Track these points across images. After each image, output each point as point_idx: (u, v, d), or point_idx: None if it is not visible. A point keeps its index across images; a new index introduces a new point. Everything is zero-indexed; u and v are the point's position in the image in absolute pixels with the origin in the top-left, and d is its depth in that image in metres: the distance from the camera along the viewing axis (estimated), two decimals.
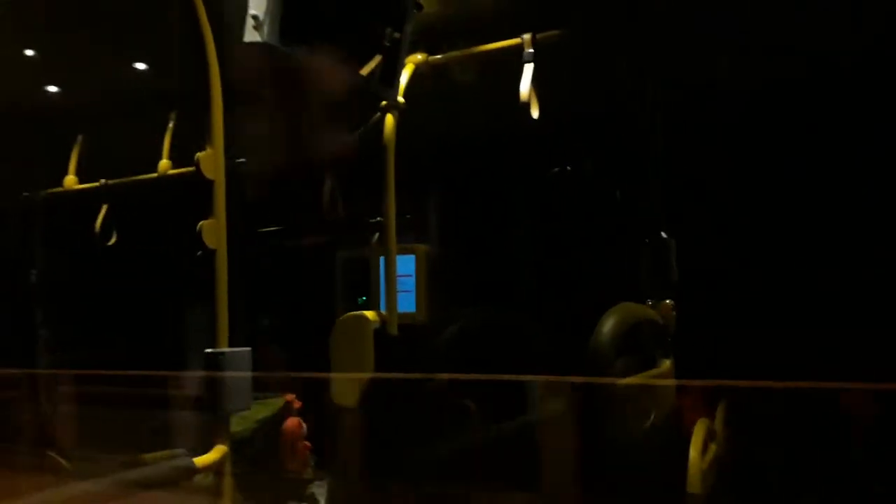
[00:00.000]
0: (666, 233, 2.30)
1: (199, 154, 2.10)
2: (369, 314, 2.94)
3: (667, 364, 2.23)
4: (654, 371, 2.21)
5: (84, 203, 3.95)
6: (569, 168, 3.72)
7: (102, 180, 3.92)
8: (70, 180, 4.02)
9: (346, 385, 2.87)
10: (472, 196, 3.80)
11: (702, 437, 2.34)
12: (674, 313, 2.31)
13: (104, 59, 3.47)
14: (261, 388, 2.70)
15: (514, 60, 2.89)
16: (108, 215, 3.92)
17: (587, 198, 3.43)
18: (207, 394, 2.11)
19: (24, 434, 3.68)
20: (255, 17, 2.17)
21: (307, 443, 2.96)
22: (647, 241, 2.33)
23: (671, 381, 2.34)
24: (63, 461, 3.08)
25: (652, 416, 2.10)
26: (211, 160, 2.10)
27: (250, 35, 2.19)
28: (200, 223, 2.08)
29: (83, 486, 1.81)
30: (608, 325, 1.95)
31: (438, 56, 3.10)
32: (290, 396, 3.04)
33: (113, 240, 3.92)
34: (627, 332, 2.04)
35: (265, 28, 2.18)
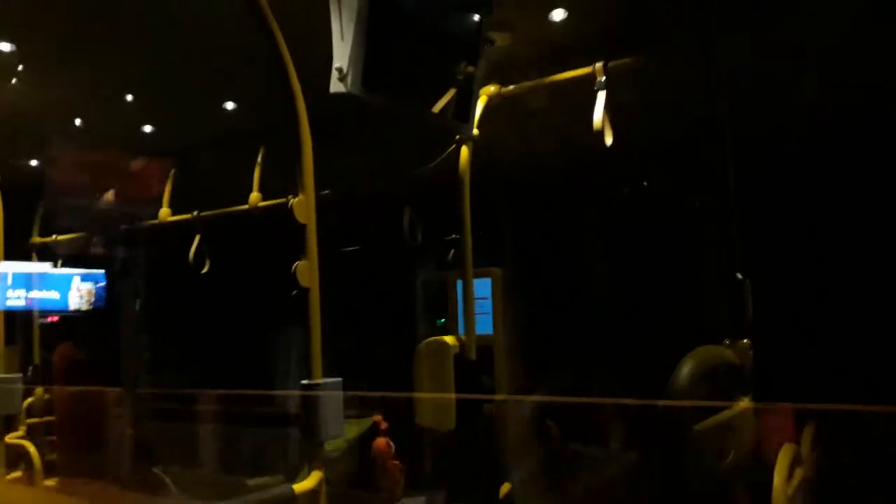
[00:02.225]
0: (741, 273, 2.32)
1: (292, 200, 2.24)
2: (449, 339, 3.04)
3: (745, 402, 2.24)
4: (734, 409, 2.22)
5: (178, 233, 4.20)
6: (644, 184, 3.74)
7: (195, 212, 4.17)
8: (165, 212, 4.28)
9: (431, 408, 2.98)
10: (548, 224, 3.86)
11: (787, 463, 2.32)
12: (750, 352, 2.32)
13: (196, 99, 3.71)
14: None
15: (587, 88, 2.93)
16: (200, 245, 4.16)
17: (661, 221, 3.44)
18: (303, 422, 2.25)
19: (128, 451, 3.93)
20: (339, 70, 2.31)
21: (397, 462, 3.08)
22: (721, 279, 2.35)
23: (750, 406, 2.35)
24: (167, 479, 3.30)
25: (731, 455, 2.11)
26: (303, 205, 2.25)
27: (335, 87, 2.33)
28: (295, 264, 2.23)
29: None
30: (686, 369, 1.98)
31: (511, 87, 3.18)
32: (378, 417, 3.17)
33: (206, 268, 4.16)
34: (706, 376, 2.07)
35: (349, 79, 2.32)
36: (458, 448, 2.95)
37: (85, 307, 4.89)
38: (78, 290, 4.85)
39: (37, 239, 4.81)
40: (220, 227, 4.11)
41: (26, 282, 4.65)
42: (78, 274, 4.91)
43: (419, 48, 2.66)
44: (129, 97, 3.68)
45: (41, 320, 4.94)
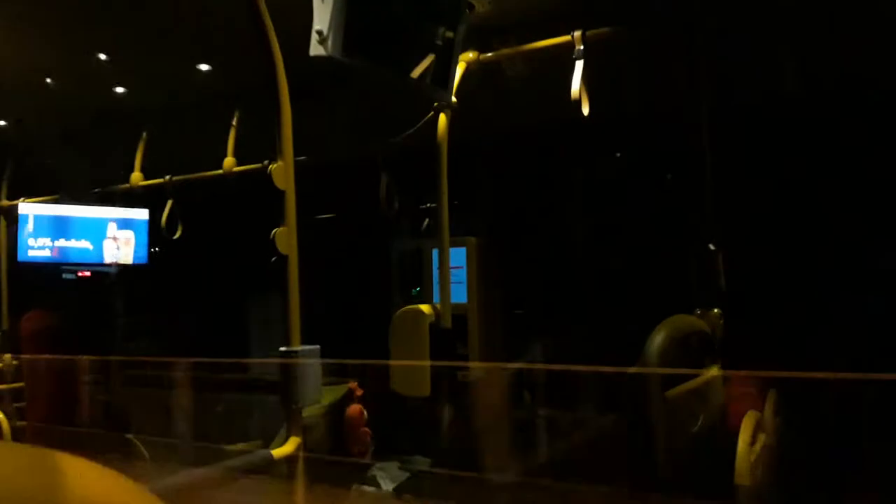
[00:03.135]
0: (713, 243, 2.36)
1: (270, 166, 2.23)
2: (424, 308, 3.06)
3: (715, 370, 2.30)
4: (703, 377, 2.29)
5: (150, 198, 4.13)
6: (618, 155, 3.77)
7: (168, 176, 4.10)
8: (136, 177, 4.20)
9: (406, 375, 3.01)
10: (522, 190, 3.88)
11: (750, 429, 2.40)
12: (721, 322, 2.38)
13: (170, 61, 3.63)
14: None
15: (565, 57, 2.93)
16: (173, 210, 4.11)
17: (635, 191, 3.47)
18: (282, 389, 2.26)
19: (101, 418, 3.92)
20: (319, 33, 2.28)
21: (367, 429, 3.12)
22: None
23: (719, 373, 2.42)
24: (141, 447, 3.29)
25: (700, 420, 2.18)
26: (282, 172, 2.23)
27: (315, 49, 2.30)
28: (274, 231, 2.22)
29: (176, 478, 1.99)
30: (659, 337, 2.03)
31: (490, 54, 3.17)
32: (353, 384, 3.19)
33: (178, 234, 4.11)
34: (678, 344, 2.12)
35: (329, 42, 2.29)
36: (432, 414, 2.99)
37: (123, 260, 4.01)
38: (114, 238, 3.93)
39: (4, 202, 4.60)
40: (194, 191, 4.05)
41: (53, 228, 3.77)
42: (114, 219, 3.99)
43: (399, 11, 2.63)
44: (103, 57, 3.58)
45: (70, 275, 4.30)
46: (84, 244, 3.80)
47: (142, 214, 4.06)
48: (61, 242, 3.70)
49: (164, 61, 3.63)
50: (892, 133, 3.01)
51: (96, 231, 3.90)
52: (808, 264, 2.99)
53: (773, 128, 3.10)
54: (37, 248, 3.58)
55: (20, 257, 3.36)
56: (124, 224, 3.98)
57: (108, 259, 3.91)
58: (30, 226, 3.57)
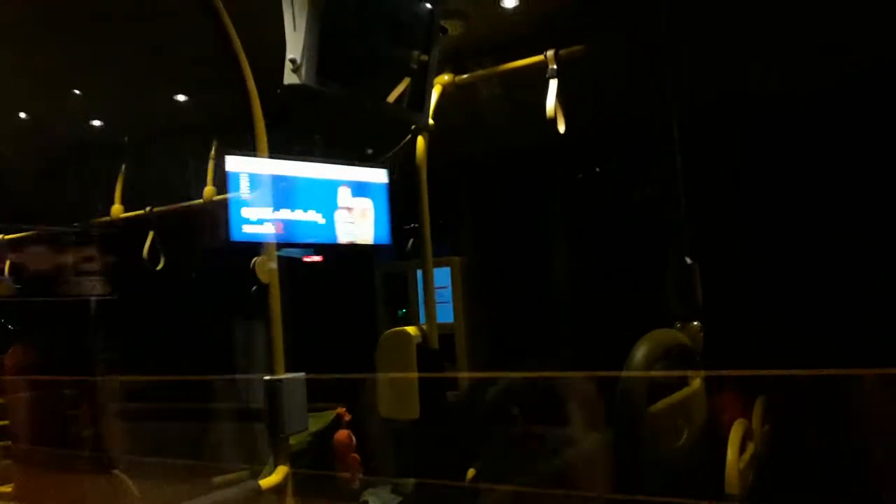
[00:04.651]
0: (690, 257, 2.39)
1: None
2: (411, 330, 3.06)
3: (697, 382, 2.32)
4: (686, 390, 2.30)
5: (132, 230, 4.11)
6: (597, 170, 3.80)
7: (148, 208, 4.08)
8: (117, 209, 4.19)
9: (394, 397, 3.00)
10: (503, 209, 3.89)
11: (739, 438, 2.41)
12: (701, 334, 2.40)
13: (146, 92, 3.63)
14: None
15: (538, 76, 2.97)
16: (154, 241, 4.09)
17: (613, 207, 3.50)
18: (267, 417, 2.24)
19: (87, 454, 3.86)
20: (292, 61, 2.30)
21: (356, 455, 3.09)
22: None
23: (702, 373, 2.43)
24: (129, 481, 3.25)
25: (685, 434, 2.19)
26: None
27: (289, 78, 2.31)
28: (254, 260, 2.21)
29: None
30: (641, 352, 2.04)
31: (465, 76, 3.20)
32: (341, 409, 3.17)
33: (161, 264, 4.09)
34: (660, 358, 2.13)
35: (303, 70, 2.30)
36: (422, 436, 2.97)
37: (360, 239, 2.88)
38: (348, 209, 2.82)
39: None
40: (174, 222, 4.04)
41: (275, 193, 2.64)
42: (347, 182, 2.84)
43: (372, 38, 2.65)
44: (77, 91, 3.59)
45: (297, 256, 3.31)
46: (313, 217, 2.72)
47: (379, 176, 2.94)
48: (285, 214, 2.66)
49: (140, 94, 3.64)
50: (867, 140, 3.06)
51: (327, 198, 2.79)
52: (786, 275, 3.02)
53: (748, 138, 3.14)
54: (254, 222, 2.54)
55: (234, 235, 2.44)
56: (360, 189, 2.87)
57: (342, 237, 2.84)
58: (243, 189, 2.51)
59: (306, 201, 2.70)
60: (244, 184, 2.48)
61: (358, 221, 2.89)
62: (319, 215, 2.74)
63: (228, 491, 2.23)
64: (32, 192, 4.25)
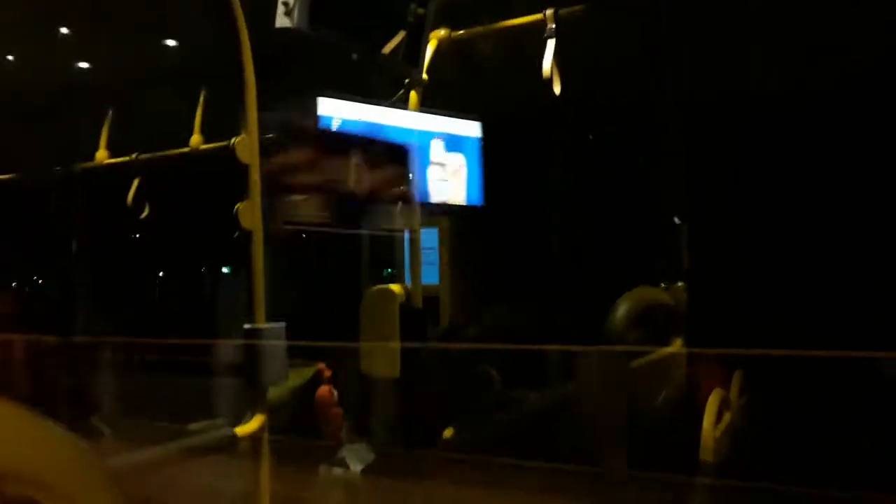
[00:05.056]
0: (679, 218, 2.37)
1: (234, 139, 2.18)
2: (395, 288, 3.04)
3: (678, 343, 2.32)
4: (666, 350, 2.30)
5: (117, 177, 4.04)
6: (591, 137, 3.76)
7: (134, 154, 4.00)
8: (102, 155, 4.10)
9: (376, 355, 2.99)
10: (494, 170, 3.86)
11: (716, 407, 2.43)
12: (685, 295, 2.39)
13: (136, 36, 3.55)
14: None
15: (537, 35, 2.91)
16: (140, 188, 4.01)
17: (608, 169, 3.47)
18: (246, 367, 2.23)
19: (66, 401, 3.85)
20: (285, 4, 2.24)
21: (339, 409, 3.10)
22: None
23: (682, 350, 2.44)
24: (105, 428, 3.24)
25: (663, 392, 2.19)
26: (246, 145, 2.19)
27: (281, 21, 2.26)
28: (237, 205, 2.18)
29: (135, 455, 1.95)
30: (622, 309, 2.04)
31: (461, 32, 3.13)
32: (321, 365, 3.17)
33: (146, 212, 4.02)
34: (641, 316, 2.13)
35: (295, 14, 2.24)
36: (401, 394, 2.97)
37: (452, 200, 2.51)
38: (440, 165, 2.48)
39: None
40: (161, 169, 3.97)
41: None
42: (439, 134, 2.48)
43: None
44: (64, 31, 3.50)
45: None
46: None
47: (471, 129, 2.56)
48: None
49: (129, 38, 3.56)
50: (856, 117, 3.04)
51: (419, 153, 2.45)
52: (774, 238, 3.01)
53: (742, 105, 3.11)
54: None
55: None
56: (453, 143, 2.51)
57: (434, 196, 2.52)
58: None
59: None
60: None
61: (451, 179, 2.61)
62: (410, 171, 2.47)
63: (203, 437, 2.22)
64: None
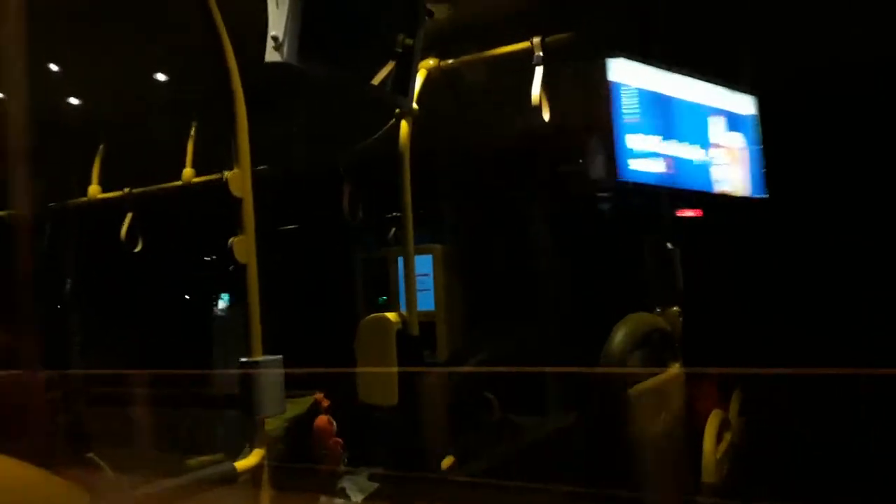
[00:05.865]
0: (671, 243, 2.38)
1: (227, 173, 2.19)
2: (391, 316, 3.04)
3: (676, 367, 2.33)
4: (664, 375, 2.30)
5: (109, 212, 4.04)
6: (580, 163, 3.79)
7: (127, 189, 4.00)
8: (94, 189, 4.10)
9: (373, 384, 2.98)
10: (485, 197, 3.89)
11: (715, 428, 2.43)
12: (680, 319, 2.40)
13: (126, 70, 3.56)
14: None
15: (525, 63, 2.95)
16: (133, 223, 4.01)
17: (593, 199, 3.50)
18: (243, 401, 2.22)
19: (61, 435, 3.80)
20: (274, 38, 2.26)
21: (339, 439, 3.08)
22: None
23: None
24: (103, 463, 3.20)
25: (662, 418, 2.19)
26: (238, 179, 2.20)
27: (271, 56, 2.27)
28: (231, 240, 2.18)
29: (133, 493, 1.94)
30: (620, 335, 2.04)
31: (450, 61, 3.17)
32: (319, 395, 3.15)
33: (139, 247, 4.01)
34: (638, 342, 2.14)
35: (285, 48, 2.26)
36: (400, 423, 2.96)
37: (731, 189, 2.15)
38: (720, 146, 2.12)
39: None
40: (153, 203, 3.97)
41: (661, 119, 1.92)
42: (719, 111, 2.11)
43: (357, 17, 2.62)
44: (54, 67, 3.51)
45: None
46: (696, 154, 1.97)
47: (746, 106, 2.13)
48: (672, 148, 1.87)
49: (120, 72, 3.57)
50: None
51: (700, 132, 2.01)
52: (766, 262, 3.03)
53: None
54: (642, 155, 1.78)
55: (621, 174, 1.82)
56: (733, 123, 2.11)
57: (716, 185, 2.15)
58: (630, 111, 1.80)
59: (688, 133, 1.91)
60: (628, 101, 1.81)
61: (731, 165, 2.14)
62: (703, 152, 1.97)
63: (203, 472, 2.20)
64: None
